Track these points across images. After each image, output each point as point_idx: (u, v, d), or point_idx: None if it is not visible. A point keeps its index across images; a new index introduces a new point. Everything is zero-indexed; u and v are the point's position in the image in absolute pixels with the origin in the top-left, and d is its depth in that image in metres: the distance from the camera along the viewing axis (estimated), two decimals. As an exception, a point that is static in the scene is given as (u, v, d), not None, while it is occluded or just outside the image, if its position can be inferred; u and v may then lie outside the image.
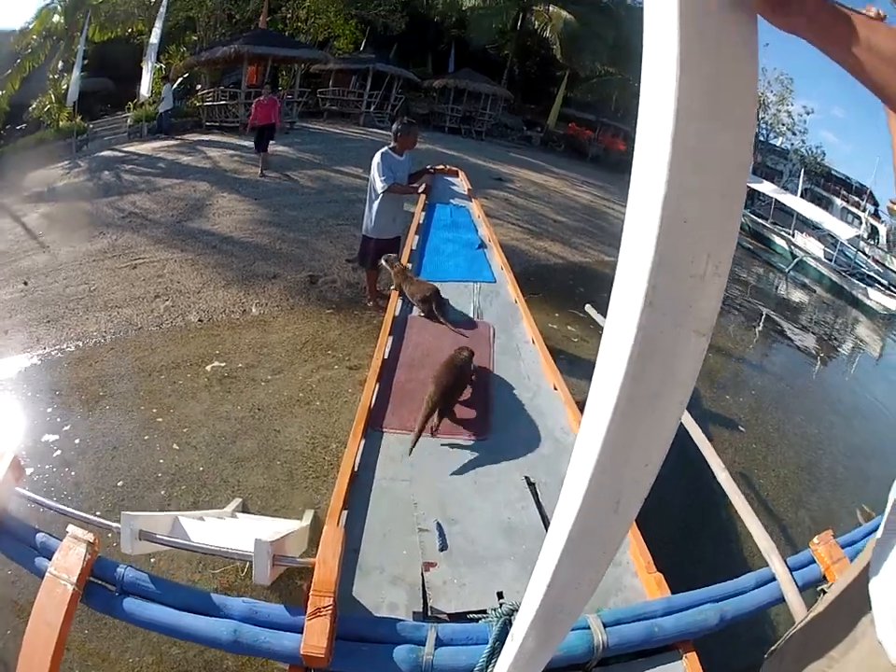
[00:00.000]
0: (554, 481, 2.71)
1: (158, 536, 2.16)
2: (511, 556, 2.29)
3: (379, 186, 5.89)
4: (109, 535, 2.27)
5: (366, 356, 5.84)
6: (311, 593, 1.83)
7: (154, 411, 5.02)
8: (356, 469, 2.67)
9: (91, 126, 17.17)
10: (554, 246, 11.04)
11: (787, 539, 4.55)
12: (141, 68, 17.01)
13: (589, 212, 14.99)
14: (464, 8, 26.44)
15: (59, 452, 4.48)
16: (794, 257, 16.38)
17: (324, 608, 1.78)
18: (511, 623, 1.78)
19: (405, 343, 3.83)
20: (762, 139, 29.49)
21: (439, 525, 2.41)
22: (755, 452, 5.83)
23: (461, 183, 7.29)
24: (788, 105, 29.19)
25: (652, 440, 0.89)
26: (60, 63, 18.33)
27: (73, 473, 4.28)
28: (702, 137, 0.72)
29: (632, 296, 0.78)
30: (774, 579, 2.14)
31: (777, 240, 18.06)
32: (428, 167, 6.90)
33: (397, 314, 4.19)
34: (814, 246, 16.70)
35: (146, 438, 4.70)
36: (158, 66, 18.46)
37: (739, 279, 13.52)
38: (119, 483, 4.23)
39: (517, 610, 1.69)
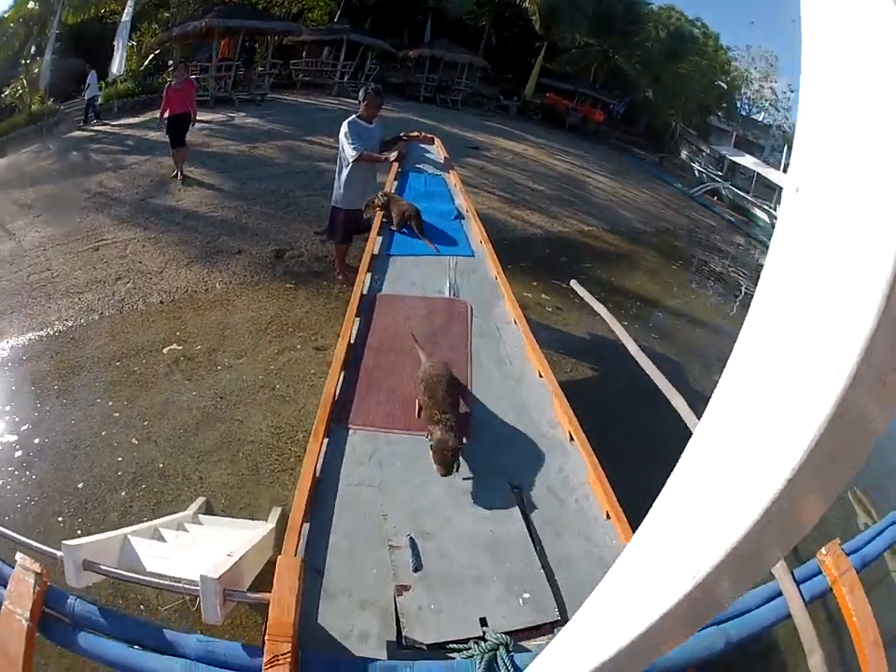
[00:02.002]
0: (542, 485, 2.48)
1: (103, 567, 2.01)
2: (495, 577, 2.07)
3: (349, 154, 5.66)
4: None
5: (333, 334, 5.48)
6: (266, 636, 1.64)
7: (113, 404, 4.80)
8: (317, 473, 2.43)
9: (62, 108, 16.79)
10: (532, 216, 10.78)
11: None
12: (113, 47, 16.72)
13: (567, 181, 14.73)
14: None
15: (20, 453, 4.28)
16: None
17: (282, 655, 1.60)
18: (497, 660, 1.69)
19: (373, 326, 3.53)
20: (743, 113, 29.51)
21: (412, 541, 2.19)
22: None
23: (437, 151, 6.92)
24: (772, 83, 29.26)
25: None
26: (33, 48, 17.99)
27: (34, 476, 4.10)
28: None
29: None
30: (780, 594, 1.98)
31: (758, 213, 17.92)
32: (402, 134, 6.67)
33: (365, 291, 3.89)
34: None
35: (105, 434, 4.49)
36: (130, 44, 18.08)
37: (721, 250, 13.41)
38: (79, 485, 4.05)
39: (504, 645, 1.72)
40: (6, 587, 1.83)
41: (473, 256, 4.51)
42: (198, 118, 10.47)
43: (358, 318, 3.56)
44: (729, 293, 10.38)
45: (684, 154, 25.92)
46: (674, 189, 19.21)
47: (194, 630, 2.36)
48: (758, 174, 18.96)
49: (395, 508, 2.32)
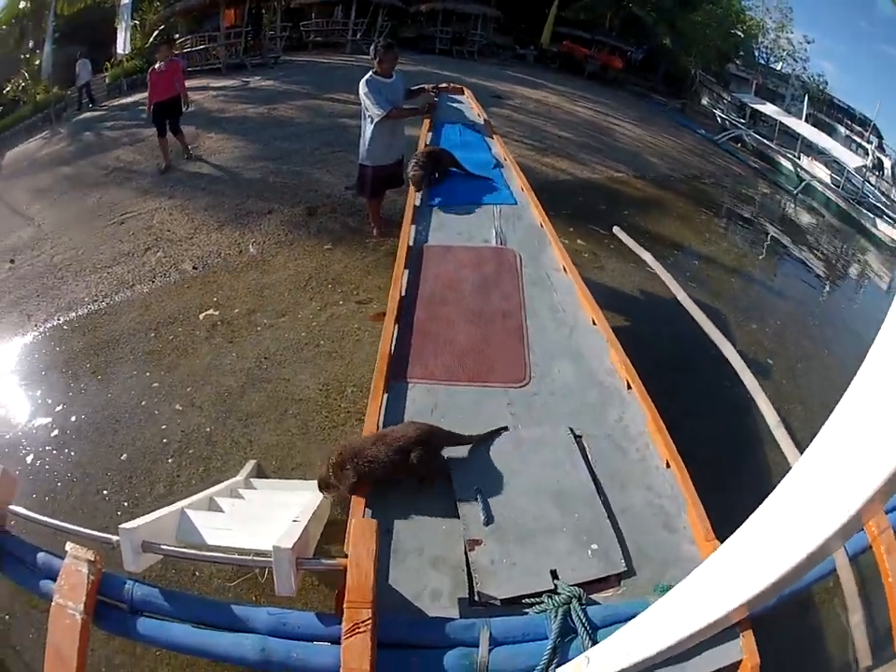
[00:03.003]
0: (602, 434, 2.45)
1: (163, 547, 1.93)
2: (564, 528, 2.05)
3: (375, 113, 5.49)
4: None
5: (375, 288, 5.53)
6: (346, 604, 1.60)
7: (152, 374, 4.72)
8: (379, 430, 2.37)
9: (68, 93, 16.63)
10: (562, 163, 10.53)
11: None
12: (116, 30, 16.59)
13: (592, 127, 14.39)
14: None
15: (56, 433, 4.21)
16: (801, 179, 15.78)
17: (362, 622, 1.56)
18: (571, 613, 1.69)
19: (423, 277, 3.49)
20: (762, 62, 28.87)
21: (480, 494, 2.15)
22: (788, 388, 5.34)
23: (467, 101, 6.77)
24: (788, 33, 28.68)
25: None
26: (30, 42, 17.83)
27: (74, 455, 4.03)
28: None
29: None
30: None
31: (784, 161, 17.35)
32: (425, 85, 6.46)
33: (411, 244, 3.83)
34: (821, 171, 16.13)
35: (146, 404, 4.42)
36: (133, 23, 17.85)
37: (748, 197, 13.08)
38: (123, 457, 3.99)
39: (577, 597, 1.73)
40: (54, 581, 1.75)
41: (517, 204, 4.41)
42: (215, 85, 9.94)
43: (407, 270, 3.54)
44: (759, 241, 10.16)
45: (705, 100, 25.37)
46: (698, 136, 18.75)
47: (258, 603, 2.28)
48: (780, 122, 18.48)
49: (461, 462, 2.31)
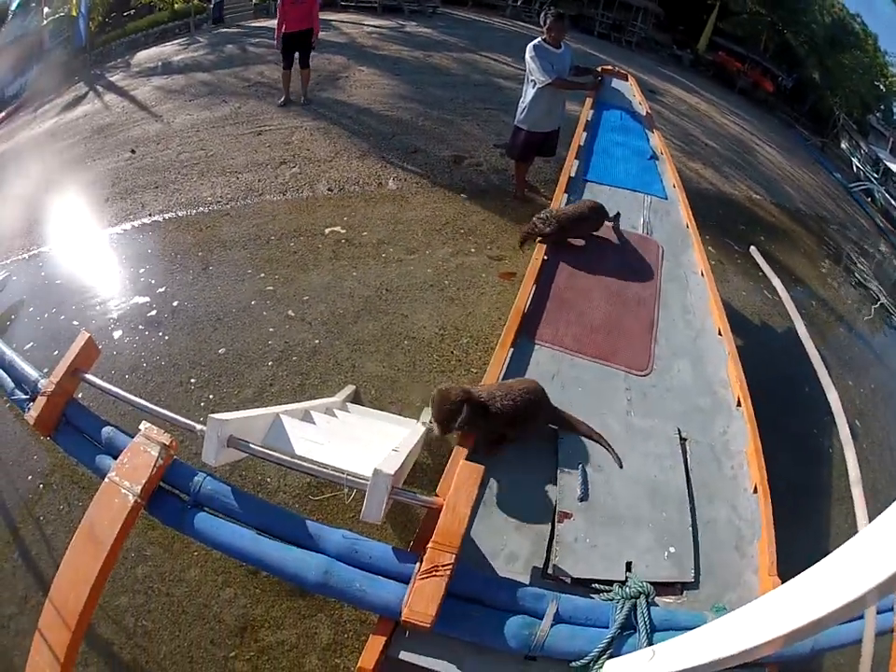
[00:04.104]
0: (705, 443, 2.45)
1: (251, 445, 1.84)
2: (650, 523, 2.07)
3: (539, 78, 5.38)
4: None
5: (509, 247, 5.40)
6: (431, 544, 1.60)
7: (269, 280, 4.73)
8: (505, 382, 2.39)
9: (210, 5, 16.66)
10: (706, 171, 10.18)
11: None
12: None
13: (737, 143, 13.91)
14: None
15: (153, 314, 4.29)
16: None
17: (442, 566, 1.56)
18: (636, 608, 1.68)
19: (567, 246, 3.50)
20: None
21: (583, 471, 2.17)
22: (868, 451, 5.07)
23: (631, 88, 6.61)
24: None
25: None
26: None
27: (165, 342, 4.08)
28: None
29: None
30: (862, 617, 1.80)
31: None
32: (597, 67, 6.35)
33: None
34: None
35: (256, 309, 4.43)
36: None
37: (868, 253, 12.36)
38: (220, 351, 4.03)
39: (646, 594, 1.72)
40: (114, 459, 1.72)
41: (667, 199, 4.40)
42: (370, 24, 9.50)
43: None
44: (870, 300, 9.60)
45: (844, 145, 24.56)
46: (832, 179, 17.97)
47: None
48: None
49: (571, 433, 2.31)
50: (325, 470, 1.80)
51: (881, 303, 9.75)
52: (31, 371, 2.03)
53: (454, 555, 1.57)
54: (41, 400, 1.89)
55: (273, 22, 8.30)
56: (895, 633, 1.80)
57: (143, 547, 2.92)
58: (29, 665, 1.53)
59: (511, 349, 2.62)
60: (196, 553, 2.91)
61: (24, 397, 2.00)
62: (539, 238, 3.42)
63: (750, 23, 26.43)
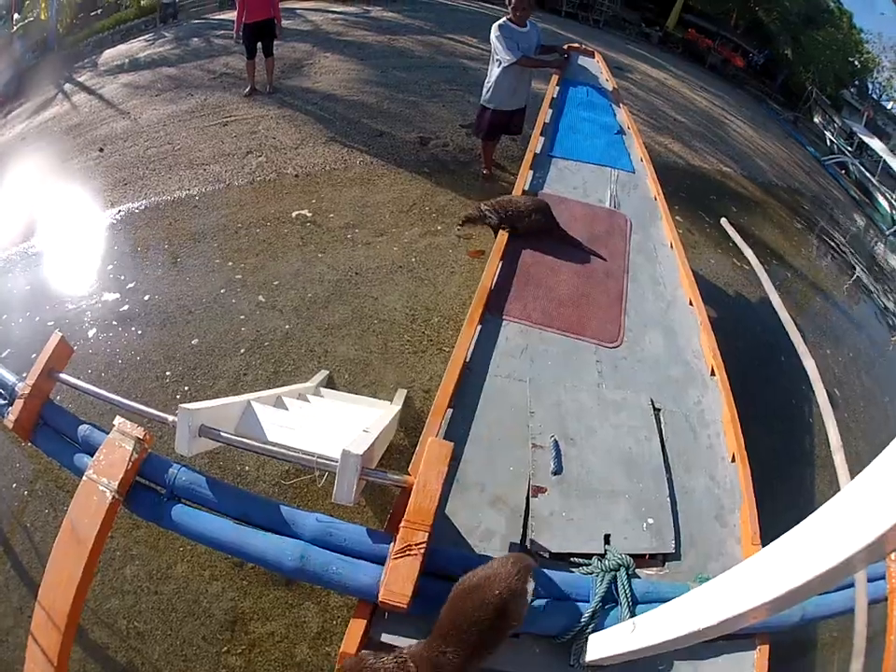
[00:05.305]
0: (680, 413, 2.48)
1: (222, 434, 1.85)
2: (626, 494, 2.09)
3: (504, 57, 5.38)
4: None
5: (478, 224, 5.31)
6: (403, 523, 1.60)
7: (238, 269, 4.71)
8: (468, 359, 2.44)
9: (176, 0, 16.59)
10: (675, 145, 10.25)
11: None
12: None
13: (707, 118, 14.03)
14: None
15: (125, 309, 4.27)
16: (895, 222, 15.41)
17: (416, 545, 1.56)
18: (616, 581, 1.72)
19: None
20: (874, 97, 27.90)
21: (556, 444, 2.18)
22: (847, 418, 5.21)
23: (598, 65, 6.62)
24: None
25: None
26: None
27: (138, 337, 4.08)
28: None
29: None
30: (853, 585, 1.87)
31: (882, 199, 16.89)
32: (563, 45, 6.32)
33: (526, 188, 3.84)
34: None
35: (226, 298, 4.42)
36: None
37: (842, 225, 12.64)
38: (193, 343, 4.03)
39: (626, 567, 1.75)
40: (91, 457, 1.71)
41: (634, 172, 4.43)
42: (335, 10, 9.42)
43: None
44: (845, 272, 9.81)
45: (817, 119, 24.85)
46: (806, 152, 18.29)
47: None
48: (884, 160, 18.07)
49: (542, 407, 2.33)
50: (296, 455, 1.79)
51: (856, 275, 9.95)
52: (7, 376, 2.03)
53: (427, 533, 1.57)
54: (18, 403, 1.88)
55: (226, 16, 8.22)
56: (890, 633, 1.84)
57: (129, 547, 2.92)
58: (25, 670, 1.53)
59: (479, 326, 2.62)
60: (182, 549, 2.92)
61: (2, 402, 1.99)
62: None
63: (721, 1, 26.47)
